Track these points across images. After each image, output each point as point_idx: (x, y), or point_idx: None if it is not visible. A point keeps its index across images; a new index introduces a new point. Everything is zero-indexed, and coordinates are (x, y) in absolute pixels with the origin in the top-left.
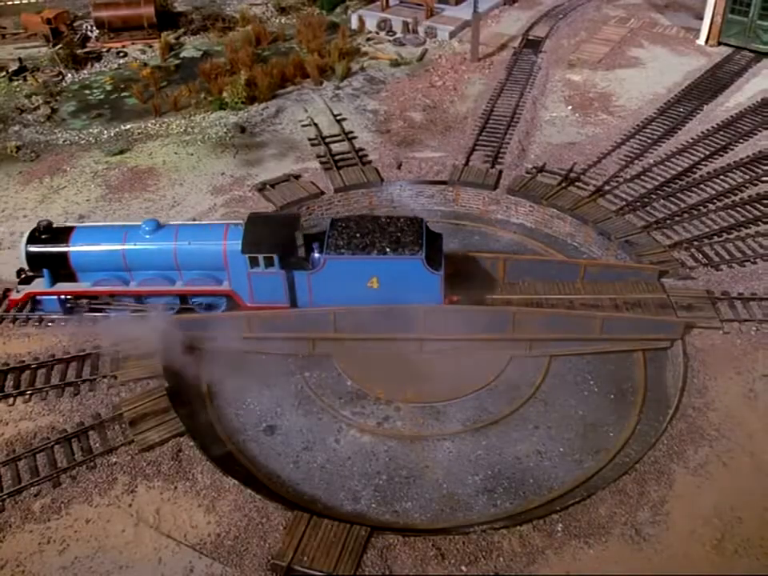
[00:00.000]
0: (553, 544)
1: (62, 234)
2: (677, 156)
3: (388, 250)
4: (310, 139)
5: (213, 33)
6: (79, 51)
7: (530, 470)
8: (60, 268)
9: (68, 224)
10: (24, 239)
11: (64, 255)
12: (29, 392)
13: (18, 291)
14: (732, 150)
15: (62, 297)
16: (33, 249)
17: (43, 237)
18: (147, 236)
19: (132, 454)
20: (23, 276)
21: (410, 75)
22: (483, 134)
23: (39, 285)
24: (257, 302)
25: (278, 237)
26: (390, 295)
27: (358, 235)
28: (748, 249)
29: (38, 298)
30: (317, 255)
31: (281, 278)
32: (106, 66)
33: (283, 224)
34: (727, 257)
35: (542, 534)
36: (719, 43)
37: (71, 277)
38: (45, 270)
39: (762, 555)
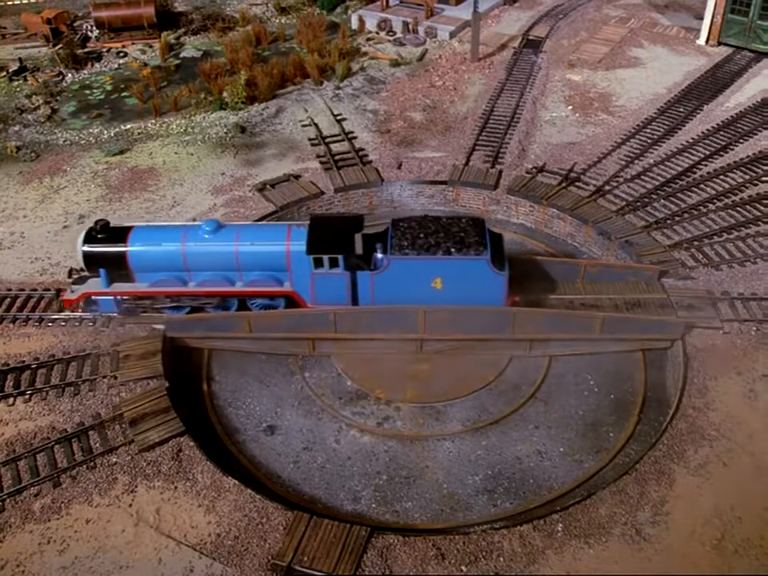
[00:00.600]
0: (553, 544)
1: (119, 234)
2: (677, 156)
3: (453, 250)
4: (310, 139)
5: (213, 33)
6: (79, 51)
7: (530, 470)
8: (117, 268)
9: (125, 224)
10: (80, 239)
11: (122, 255)
12: (29, 392)
13: (72, 291)
14: (732, 150)
15: (119, 297)
16: (90, 249)
17: (99, 236)
18: (208, 236)
19: (132, 454)
20: (75, 276)
21: (409, 75)
22: (483, 134)
23: (94, 285)
24: (318, 303)
25: (342, 237)
26: (453, 295)
27: (421, 235)
28: (748, 249)
29: (94, 298)
30: (380, 255)
31: (345, 278)
32: (106, 66)
33: (347, 225)
34: (727, 257)
35: (542, 533)
36: (719, 43)
37: (127, 277)
38: (101, 270)
39: (762, 555)
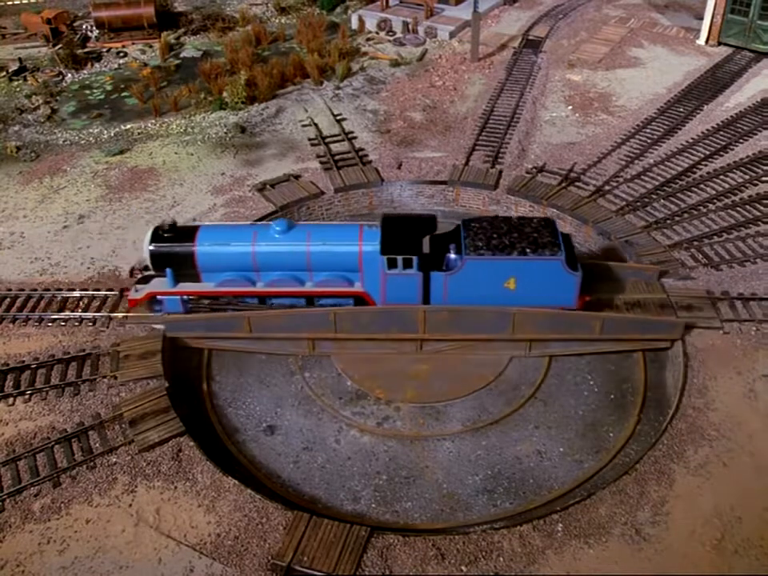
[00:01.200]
0: (553, 544)
1: (186, 233)
2: (677, 156)
3: (528, 250)
4: (309, 139)
5: (213, 33)
6: (79, 51)
7: (530, 470)
8: (184, 268)
9: (192, 223)
10: (147, 238)
11: (190, 255)
12: (29, 392)
13: (136, 291)
14: (732, 150)
15: (185, 297)
16: (158, 248)
17: (166, 235)
18: (279, 236)
19: (132, 454)
20: (138, 275)
21: (410, 75)
22: (483, 134)
23: (159, 284)
24: (389, 304)
25: (417, 238)
26: (525, 296)
27: (494, 236)
28: (748, 249)
29: (159, 298)
30: (453, 256)
31: (417, 279)
32: (106, 66)
33: (420, 225)
34: (727, 257)
35: (541, 533)
36: (719, 43)
37: (195, 276)
38: (168, 270)
39: (762, 555)
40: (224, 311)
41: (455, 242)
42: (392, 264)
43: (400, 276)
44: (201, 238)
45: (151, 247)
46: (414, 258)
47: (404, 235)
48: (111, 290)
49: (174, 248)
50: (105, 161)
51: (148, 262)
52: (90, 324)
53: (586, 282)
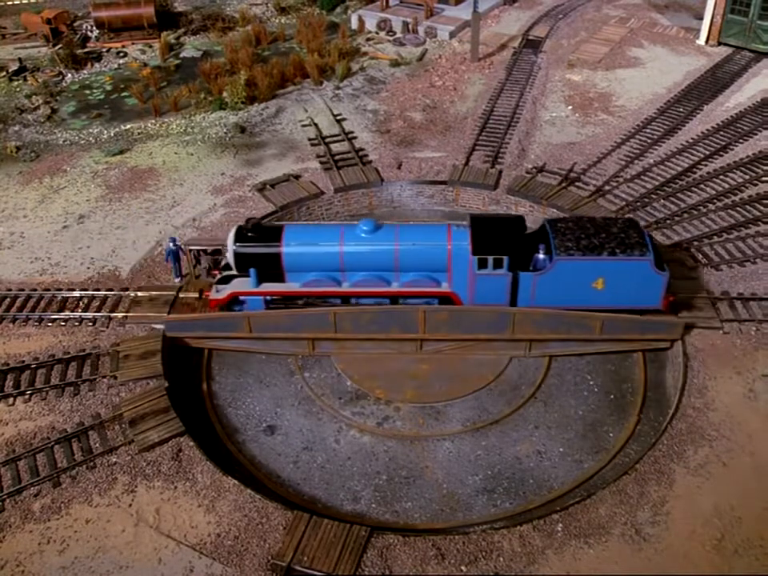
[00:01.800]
0: (553, 544)
1: (272, 234)
2: (677, 156)
3: (617, 250)
4: (310, 139)
5: (213, 33)
6: (79, 51)
7: (529, 470)
8: (269, 268)
9: (277, 223)
10: (231, 238)
11: (276, 255)
12: (29, 392)
13: (217, 291)
14: (732, 150)
15: (267, 297)
16: (242, 248)
17: (250, 235)
18: (366, 236)
19: (132, 454)
20: (217, 275)
21: (410, 75)
22: (483, 133)
23: (240, 284)
24: (476, 304)
25: (507, 238)
26: (612, 296)
27: (583, 236)
28: (748, 249)
29: (242, 298)
30: (542, 256)
31: (507, 279)
32: (105, 66)
33: (509, 225)
34: (727, 257)
35: (541, 534)
36: (719, 43)
37: (278, 277)
38: (251, 270)
39: (762, 555)
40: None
41: (543, 242)
42: (482, 264)
43: (489, 276)
44: (287, 238)
45: (236, 248)
46: (505, 258)
47: (495, 235)
48: (111, 289)
49: (259, 248)
50: (105, 161)
51: (231, 263)
52: (90, 324)
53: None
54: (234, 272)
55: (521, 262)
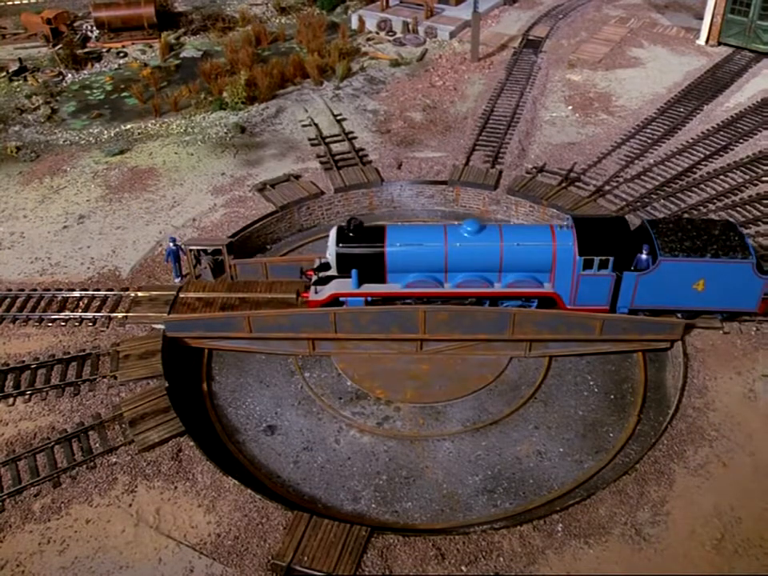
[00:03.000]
0: (553, 544)
1: (375, 234)
2: (677, 156)
3: (720, 253)
4: (310, 139)
5: (213, 33)
6: (79, 51)
7: (529, 471)
8: (372, 269)
9: (378, 223)
10: (333, 238)
11: (380, 256)
12: (29, 392)
13: (316, 292)
14: (732, 150)
15: (368, 298)
16: (345, 249)
17: (352, 236)
18: (469, 236)
19: (132, 454)
20: (312, 276)
21: (410, 75)
22: (483, 133)
23: (341, 285)
24: (578, 305)
25: (613, 239)
26: (711, 298)
27: (685, 238)
28: None
29: (342, 299)
30: (644, 257)
31: (610, 280)
32: (106, 66)
33: (613, 226)
34: None
35: (541, 533)
36: (719, 43)
37: (379, 277)
38: (353, 271)
39: (762, 555)
40: None
41: (647, 243)
42: (588, 264)
43: (594, 277)
44: (391, 238)
45: (338, 248)
46: (611, 259)
47: (601, 236)
48: (111, 289)
49: (362, 248)
50: (105, 161)
51: (332, 263)
52: (90, 324)
53: None
54: (332, 273)
55: (623, 262)
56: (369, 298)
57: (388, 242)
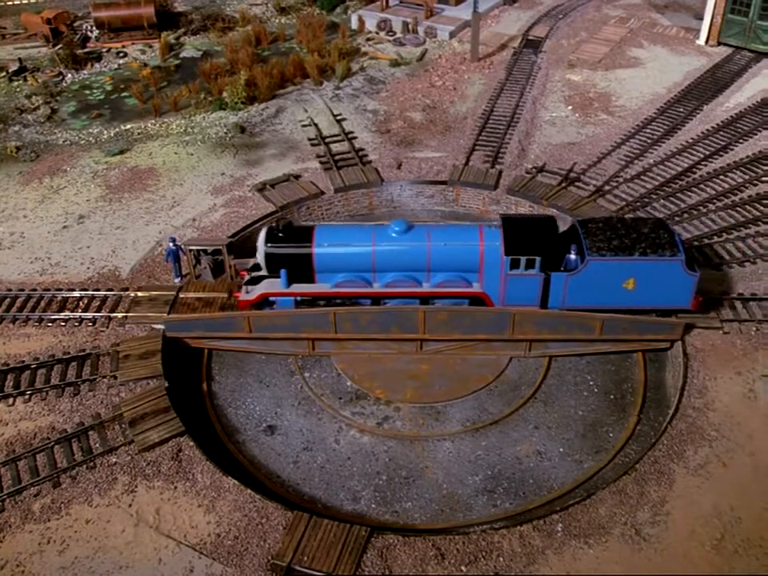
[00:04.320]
0: (553, 544)
1: (303, 234)
2: (677, 156)
3: (649, 251)
4: (309, 139)
5: (213, 33)
6: (79, 51)
7: (529, 470)
8: (300, 269)
9: (307, 223)
10: (262, 239)
11: (308, 256)
12: (29, 392)
13: (247, 292)
14: (732, 150)
15: (298, 298)
16: (273, 249)
17: (281, 236)
18: (398, 236)
19: (132, 454)
20: (246, 276)
21: (409, 75)
22: (483, 134)
23: (271, 285)
24: (507, 304)
25: (539, 239)
26: (642, 296)
27: (614, 237)
28: (748, 249)
29: (272, 299)
30: (573, 257)
31: (538, 280)
32: (105, 66)
33: (541, 226)
34: (727, 257)
35: (541, 533)
36: (719, 43)
37: (308, 277)
38: (282, 271)
39: (762, 555)
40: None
41: (575, 243)
42: (515, 264)
43: (521, 277)
44: (318, 238)
45: (266, 248)
46: (537, 259)
47: (528, 236)
48: (111, 290)
49: (290, 249)
50: (105, 161)
51: (262, 263)
52: (90, 324)
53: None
54: (263, 273)
55: (552, 262)
56: (299, 298)
57: (316, 242)
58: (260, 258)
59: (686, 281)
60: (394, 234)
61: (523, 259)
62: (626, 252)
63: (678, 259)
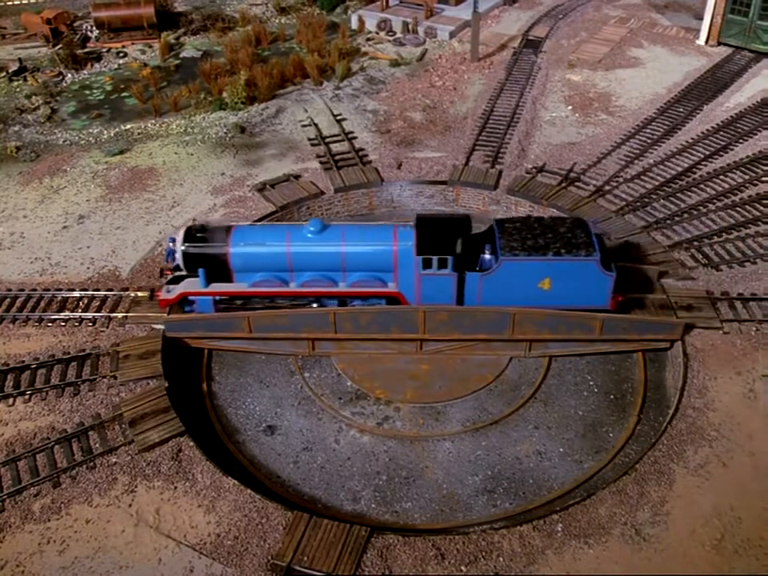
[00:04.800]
0: (553, 544)
1: (220, 234)
2: (677, 156)
3: (563, 251)
4: (309, 139)
5: (213, 33)
6: (79, 51)
7: (529, 471)
8: (217, 268)
9: (226, 224)
10: (180, 238)
11: (224, 256)
12: (29, 392)
13: (168, 291)
14: (732, 150)
15: (216, 297)
16: (191, 249)
17: (199, 236)
18: (312, 236)
19: (132, 454)
20: (168, 275)
21: (409, 75)
22: (483, 134)
23: (191, 285)
24: (423, 304)
25: (452, 238)
26: (559, 296)
27: (529, 236)
28: (748, 249)
29: (191, 298)
30: (488, 257)
31: (452, 279)
32: (105, 66)
33: (455, 225)
34: (727, 257)
35: (541, 533)
36: (719, 43)
37: (226, 277)
38: (200, 270)
39: (762, 555)
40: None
41: (490, 243)
42: (427, 264)
43: (435, 276)
44: (235, 238)
45: (184, 248)
46: (449, 258)
47: (439, 235)
48: (111, 290)
49: (207, 248)
50: (105, 161)
51: (180, 263)
52: (90, 324)
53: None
54: (184, 273)
55: (468, 262)
56: (217, 297)
57: (232, 242)
58: (178, 257)
59: (602, 280)
60: (309, 235)
61: (435, 259)
62: (539, 252)
63: (593, 259)
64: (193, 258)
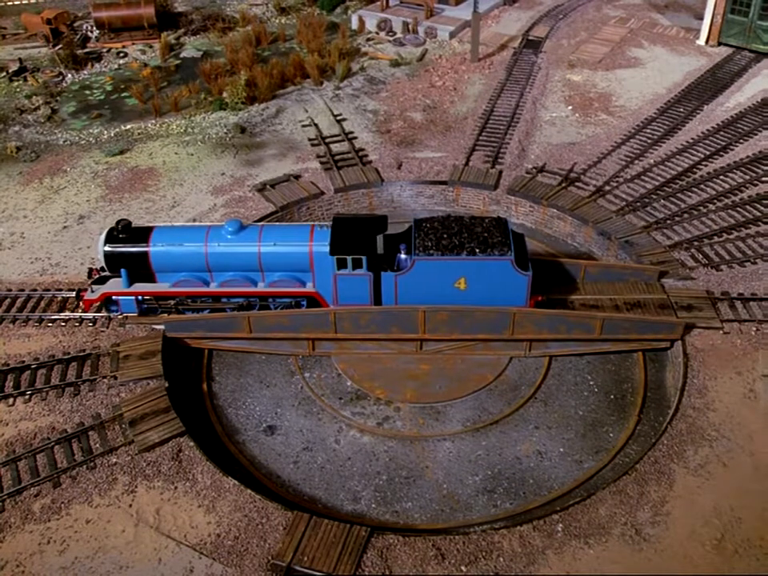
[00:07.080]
0: (553, 544)
1: (140, 234)
2: (677, 156)
3: (477, 250)
4: (310, 139)
5: (213, 33)
6: (79, 51)
7: (530, 471)
8: (139, 268)
9: (147, 224)
10: (101, 239)
11: (144, 255)
12: (29, 392)
13: (92, 291)
14: (732, 150)
15: (139, 297)
16: (111, 249)
17: (121, 236)
18: (230, 236)
19: (132, 454)
20: (96, 276)
21: (409, 75)
22: (483, 134)
23: (115, 285)
24: (340, 304)
25: (366, 238)
26: (476, 296)
27: (445, 236)
28: (748, 249)
29: (114, 298)
30: (403, 256)
31: (368, 279)
32: (106, 67)
33: (370, 225)
34: (727, 257)
35: (541, 534)
36: (719, 43)
37: (149, 277)
38: (122, 271)
39: (762, 555)
40: (179, 312)
41: (406, 242)
42: (341, 264)
43: (350, 276)
44: (155, 238)
45: (106, 248)
46: (364, 258)
47: (354, 235)
48: None
49: (128, 249)
50: (105, 161)
51: (103, 264)
52: (90, 324)
53: (541, 282)
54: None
55: (385, 262)
56: (140, 297)
57: (152, 242)
58: (100, 257)
59: (517, 280)
60: (228, 236)
61: (349, 259)
62: (453, 251)
63: (508, 259)
64: (114, 259)
